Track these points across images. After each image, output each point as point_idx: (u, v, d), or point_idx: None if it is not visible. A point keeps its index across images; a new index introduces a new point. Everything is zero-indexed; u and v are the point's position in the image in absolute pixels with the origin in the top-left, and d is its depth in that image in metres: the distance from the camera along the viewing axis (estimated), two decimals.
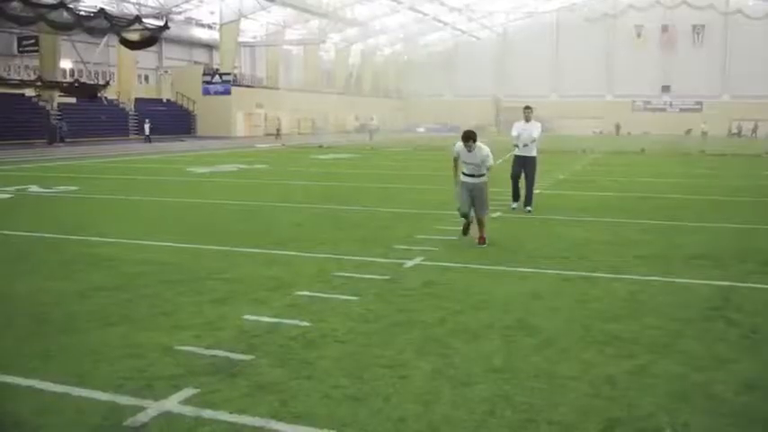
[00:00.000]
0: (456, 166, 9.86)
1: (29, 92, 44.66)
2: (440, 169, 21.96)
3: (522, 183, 13.35)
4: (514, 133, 13.19)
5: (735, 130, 76.87)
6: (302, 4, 62.07)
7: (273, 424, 4.00)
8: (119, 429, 3.94)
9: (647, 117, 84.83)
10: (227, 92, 57.67)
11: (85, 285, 7.23)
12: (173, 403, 4.26)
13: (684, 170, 24.97)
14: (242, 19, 59.47)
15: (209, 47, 66.21)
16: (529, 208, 12.93)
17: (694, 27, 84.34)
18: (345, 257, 8.65)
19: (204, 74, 59.09)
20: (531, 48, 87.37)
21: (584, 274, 7.95)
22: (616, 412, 4.20)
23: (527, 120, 13.17)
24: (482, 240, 9.61)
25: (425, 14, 75.20)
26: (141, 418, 4.06)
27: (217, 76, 58.39)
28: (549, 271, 8.08)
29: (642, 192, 17.03)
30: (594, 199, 15.69)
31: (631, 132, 76.55)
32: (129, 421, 4.02)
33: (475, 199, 9.65)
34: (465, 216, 9.82)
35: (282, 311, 6.26)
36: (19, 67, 45.95)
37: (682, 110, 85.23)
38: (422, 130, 76.83)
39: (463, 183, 9.71)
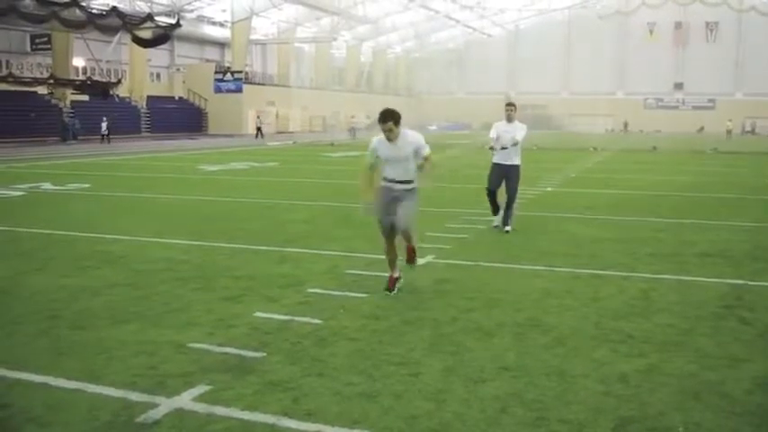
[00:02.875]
0: (367, 178, 6.91)
1: (42, 90, 44.95)
2: (448, 168, 21.94)
3: (504, 198, 10.78)
4: (492, 134, 10.52)
5: (748, 128, 76.45)
6: (314, 2, 62.17)
7: (285, 421, 4.01)
8: (131, 426, 3.96)
9: (659, 115, 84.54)
10: (239, 89, 57.87)
11: (98, 282, 7.26)
12: (185, 400, 4.28)
13: (697, 168, 24.85)
14: (253, 17, 59.63)
15: (220, 45, 66.45)
16: (508, 227, 10.53)
17: (707, 24, 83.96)
18: (356, 255, 8.65)
19: (216, 72, 59.34)
20: (542, 45, 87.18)
21: (595, 272, 7.93)
22: (628, 411, 4.19)
23: (509, 119, 10.51)
24: (391, 284, 6.91)
25: (437, 12, 75.18)
26: (153, 414, 4.08)
27: (228, 74, 58.61)
28: (561, 269, 8.06)
29: (654, 190, 16.96)
30: (606, 197, 15.64)
31: (643, 130, 76.20)
32: (141, 418, 4.03)
33: (398, 206, 6.74)
34: (385, 230, 6.88)
35: (294, 309, 6.27)
36: (32, 65, 46.24)
37: (694, 107, 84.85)
38: (433, 127, 76.78)
39: (383, 188, 6.87)
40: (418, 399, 4.33)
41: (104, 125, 41.56)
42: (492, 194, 10.76)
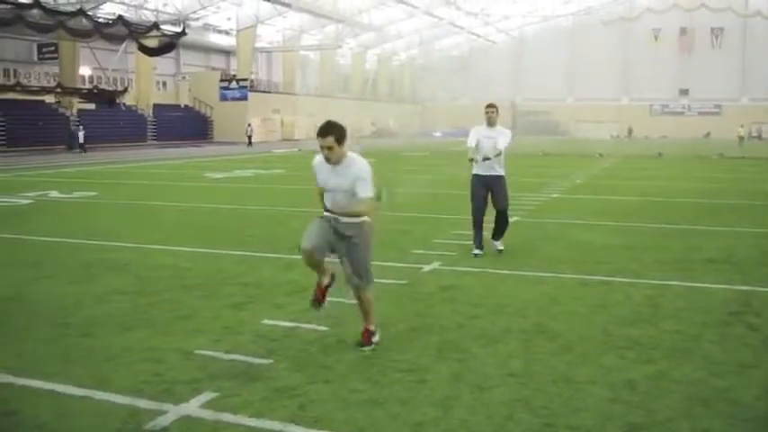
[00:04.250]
0: (319, 200, 5.61)
1: (49, 98, 45.17)
2: (456, 173, 21.94)
3: (492, 216, 9.44)
4: (471, 142, 9.10)
5: (755, 134, 76.25)
6: (318, 10, 62.42)
7: (292, 428, 4.02)
8: None
9: (665, 121, 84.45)
10: (244, 97, 58.03)
11: (105, 290, 7.28)
12: (192, 407, 4.28)
13: (703, 174, 24.80)
14: (258, 25, 59.85)
15: (226, 53, 66.69)
16: (500, 245, 9.35)
17: (713, 29, 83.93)
18: None
19: (221, 79, 59.55)
20: (547, 51, 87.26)
21: (602, 278, 7.91)
22: (636, 417, 4.18)
23: (490, 123, 9.15)
24: (366, 338, 5.44)
25: (441, 19, 75.42)
26: (161, 421, 4.08)
27: (234, 82, 58.79)
28: (567, 275, 8.04)
29: (660, 196, 16.93)
30: (612, 203, 15.61)
31: (649, 136, 76.08)
32: (149, 425, 4.04)
33: (346, 251, 5.43)
34: (310, 260, 5.37)
35: (300, 316, 6.27)
36: (39, 74, 46.47)
37: (700, 113, 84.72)
38: (438, 134, 76.80)
39: (325, 218, 5.48)
40: (425, 405, 4.33)
41: (81, 134, 40.76)
42: (478, 214, 9.27)
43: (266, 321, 6.09)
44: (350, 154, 5.32)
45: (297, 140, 58.56)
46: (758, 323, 6.16)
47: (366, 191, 5.23)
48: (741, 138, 55.05)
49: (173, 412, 4.21)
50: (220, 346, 5.43)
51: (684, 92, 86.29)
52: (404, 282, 7.66)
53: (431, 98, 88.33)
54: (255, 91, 60.35)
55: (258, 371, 4.91)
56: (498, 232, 9.43)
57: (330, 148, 5.19)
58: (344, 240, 5.39)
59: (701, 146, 50.42)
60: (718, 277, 7.99)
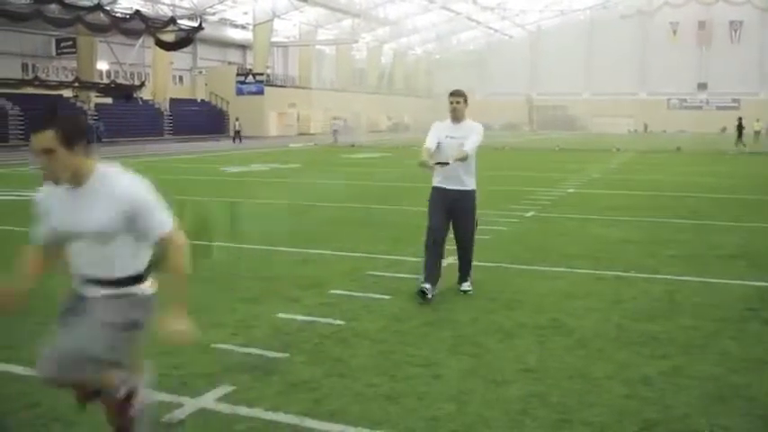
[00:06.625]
0: (24, 267, 3.55)
1: (67, 93, 45.49)
2: None
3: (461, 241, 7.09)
4: (430, 144, 6.72)
5: None
6: (334, 4, 62.43)
7: (308, 422, 4.04)
8: (155, 426, 3.99)
9: (682, 115, 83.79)
10: (261, 92, 58.16)
11: None
12: (209, 400, 4.31)
13: (720, 169, 24.59)
14: (275, 19, 59.96)
15: (242, 47, 66.87)
16: (467, 286, 6.99)
17: (731, 23, 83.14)
18: (378, 256, 8.66)
19: (238, 74, 59.73)
20: (564, 46, 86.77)
21: (618, 273, 7.88)
22: (652, 413, 4.17)
23: (456, 118, 6.81)
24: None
25: (457, 13, 75.20)
26: (178, 414, 4.12)
27: (250, 76, 58.93)
28: (583, 270, 8.02)
29: (677, 191, 16.81)
30: (628, 198, 15.52)
31: (666, 131, 75.49)
32: (165, 418, 4.08)
33: (79, 325, 3.39)
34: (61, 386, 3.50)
35: (316, 310, 6.29)
36: (57, 69, 46.81)
37: (718, 108, 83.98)
38: None
39: (67, 294, 3.61)
40: (440, 400, 4.34)
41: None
42: (436, 237, 6.79)
43: (282, 315, 6.11)
44: (102, 170, 3.06)
45: (313, 135, 58.68)
46: None
47: (164, 223, 3.08)
48: (757, 132, 53.75)
49: (189, 405, 4.24)
50: (236, 340, 5.46)
51: (703, 86, 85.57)
52: (419, 276, 7.65)
53: (447, 93, 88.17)
54: (271, 85, 60.47)
55: (274, 365, 4.93)
56: (463, 274, 7.09)
57: (49, 152, 2.88)
58: (88, 316, 3.26)
59: (719, 140, 49.95)
60: (736, 273, 7.94)
